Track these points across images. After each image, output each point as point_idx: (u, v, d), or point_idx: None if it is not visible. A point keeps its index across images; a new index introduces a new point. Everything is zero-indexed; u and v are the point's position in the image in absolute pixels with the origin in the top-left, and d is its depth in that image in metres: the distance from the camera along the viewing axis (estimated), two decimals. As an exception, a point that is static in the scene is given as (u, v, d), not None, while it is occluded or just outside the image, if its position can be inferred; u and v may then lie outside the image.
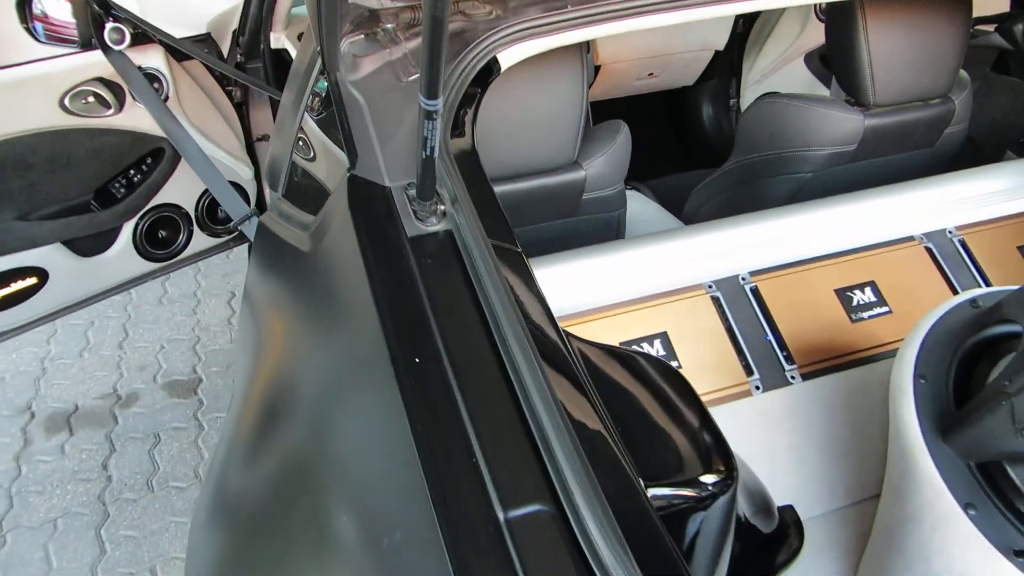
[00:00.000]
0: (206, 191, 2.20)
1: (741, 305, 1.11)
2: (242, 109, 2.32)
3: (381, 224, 0.77)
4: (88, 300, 2.13)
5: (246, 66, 2.25)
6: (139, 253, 2.12)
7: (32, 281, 1.93)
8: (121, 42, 1.88)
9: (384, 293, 0.70)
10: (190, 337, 2.68)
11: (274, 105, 2.34)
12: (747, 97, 2.78)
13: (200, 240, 2.24)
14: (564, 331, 0.68)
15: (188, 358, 2.58)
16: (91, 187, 1.99)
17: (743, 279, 1.13)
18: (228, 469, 0.95)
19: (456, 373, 0.63)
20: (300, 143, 1.11)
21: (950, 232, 1.24)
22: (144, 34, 1.96)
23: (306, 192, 1.10)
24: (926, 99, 1.46)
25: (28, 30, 2.04)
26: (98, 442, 2.23)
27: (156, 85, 1.97)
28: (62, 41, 2.01)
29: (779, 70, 2.66)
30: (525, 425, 0.60)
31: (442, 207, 0.76)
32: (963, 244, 1.23)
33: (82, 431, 2.28)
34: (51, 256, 1.93)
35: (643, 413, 0.68)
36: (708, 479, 0.64)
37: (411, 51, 0.98)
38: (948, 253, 1.21)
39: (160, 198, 2.10)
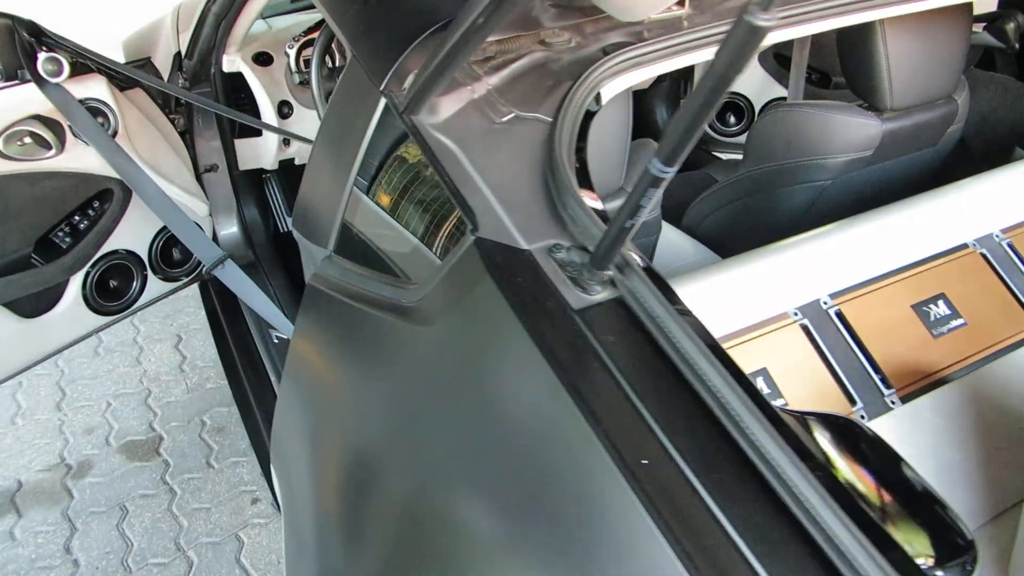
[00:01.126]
0: (160, 232, 1.99)
1: (829, 331, 1.07)
2: (186, 138, 2.12)
3: (535, 295, 0.67)
4: (31, 366, 1.89)
5: (191, 92, 2.05)
6: (90, 307, 1.89)
7: (-33, 357, 1.68)
8: (58, 74, 1.67)
9: (574, 382, 0.61)
10: (139, 390, 2.44)
11: (223, 132, 2.16)
12: (701, 98, 2.78)
13: (155, 286, 2.03)
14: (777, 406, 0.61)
15: (141, 414, 2.34)
16: (30, 239, 1.76)
17: (825, 303, 1.09)
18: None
19: (697, 473, 0.55)
20: (359, 192, 0.99)
21: (997, 236, 1.25)
22: (83, 63, 1.75)
23: (377, 251, 0.98)
24: (935, 100, 1.48)
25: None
26: (54, 522, 1.98)
27: (101, 119, 1.76)
28: (-19, 75, 1.77)
29: (733, 70, 2.68)
30: (797, 525, 0.52)
31: (608, 273, 0.67)
32: (1011, 247, 1.24)
33: (32, 511, 2.02)
34: (-14, 324, 1.69)
35: (894, 487, 0.62)
36: (958, 559, 0.59)
37: (495, 87, 0.88)
38: (1000, 257, 1.22)
39: (109, 244, 1.88)
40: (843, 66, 1.52)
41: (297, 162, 2.27)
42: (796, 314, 1.08)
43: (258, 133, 2.16)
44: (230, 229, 2.32)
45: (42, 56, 1.65)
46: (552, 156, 0.76)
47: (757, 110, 2.70)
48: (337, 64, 1.96)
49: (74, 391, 2.42)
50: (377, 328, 0.88)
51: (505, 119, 0.84)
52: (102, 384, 2.45)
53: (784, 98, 2.58)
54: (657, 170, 0.52)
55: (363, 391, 0.91)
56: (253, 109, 2.11)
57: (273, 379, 1.89)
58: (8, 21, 1.67)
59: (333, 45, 1.92)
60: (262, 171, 2.39)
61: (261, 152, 2.19)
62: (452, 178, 0.79)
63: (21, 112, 1.64)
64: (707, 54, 0.96)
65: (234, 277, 1.75)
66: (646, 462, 0.56)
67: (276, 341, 1.97)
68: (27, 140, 1.66)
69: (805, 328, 1.07)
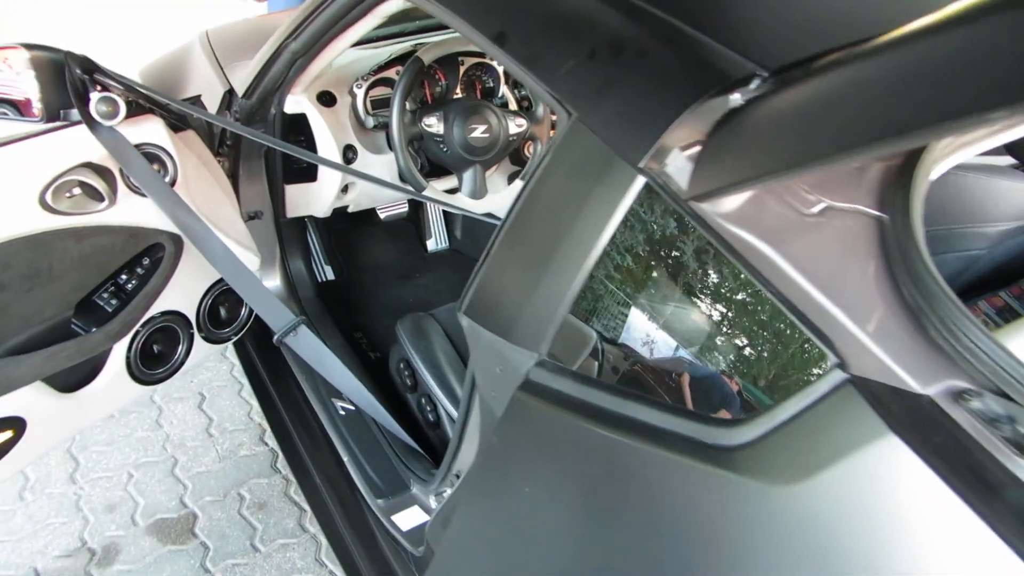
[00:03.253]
0: (209, 290, 1.78)
1: None
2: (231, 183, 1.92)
3: (967, 464, 0.51)
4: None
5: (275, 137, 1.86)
6: (133, 377, 1.67)
7: (6, 436, 1.45)
8: (114, 115, 1.47)
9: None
10: (163, 458, 2.19)
11: (272, 177, 1.96)
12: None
13: (200, 349, 1.81)
14: None
15: (169, 487, 2.10)
16: (71, 301, 1.54)
17: None
18: None
19: None
20: (597, 289, 0.81)
21: None
22: (138, 104, 1.55)
23: (633, 367, 0.80)
24: None
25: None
26: (81, 621, 1.73)
27: (157, 166, 1.56)
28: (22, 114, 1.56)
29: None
30: None
31: None
32: None
33: (54, 608, 1.76)
34: (27, 399, 1.46)
35: None
36: None
37: None
38: None
39: (157, 305, 1.66)
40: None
41: (351, 210, 2.08)
42: None
43: (312, 178, 1.97)
44: (273, 283, 2.12)
45: (95, 96, 1.45)
46: (915, 267, 0.60)
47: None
48: (413, 107, 1.79)
49: (89, 460, 2.16)
50: (656, 467, 0.70)
51: (815, 210, 0.68)
52: (120, 451, 2.20)
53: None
54: None
55: (626, 533, 0.73)
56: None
57: (341, 450, 1.68)
58: (59, 56, 1.46)
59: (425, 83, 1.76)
60: (304, 219, 2.19)
61: (314, 199, 1.99)
62: (781, 290, 0.63)
63: (71, 160, 1.43)
64: None
65: (308, 344, 1.55)
66: None
67: (343, 413, 1.76)
68: (76, 191, 1.45)
69: None
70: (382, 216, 2.46)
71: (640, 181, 0.74)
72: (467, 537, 0.97)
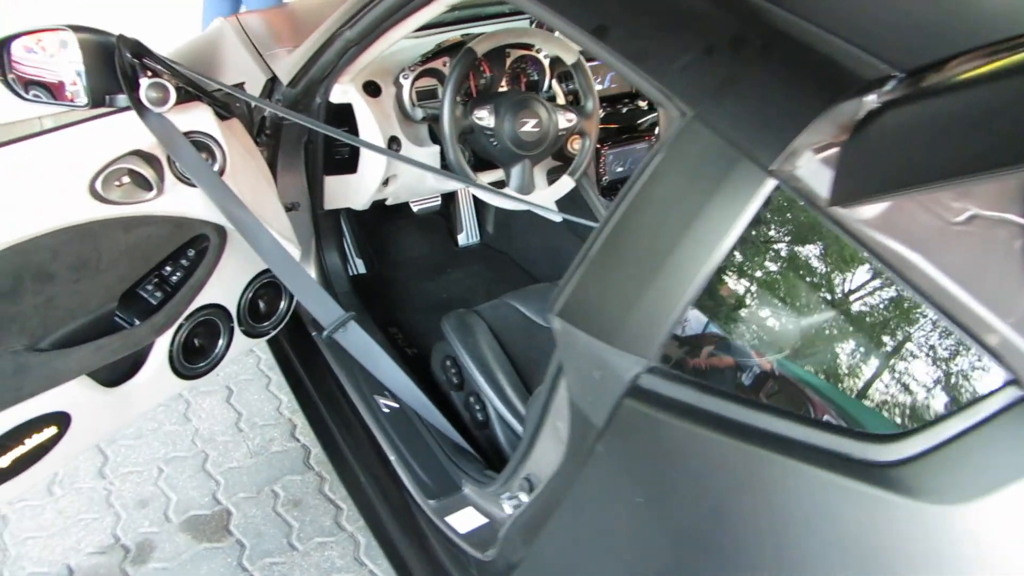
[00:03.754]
0: (250, 284, 1.74)
1: None
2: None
3: None
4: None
5: (281, 122, 1.82)
6: (175, 372, 1.63)
7: (51, 433, 1.41)
8: (164, 102, 1.43)
9: None
10: (193, 453, 2.15)
11: (313, 167, 1.92)
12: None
13: (240, 343, 1.77)
14: None
15: (201, 482, 2.06)
16: (115, 293, 1.50)
17: None
18: None
19: None
20: (721, 296, 0.77)
21: None
22: (186, 90, 1.50)
23: (766, 378, 0.76)
24: None
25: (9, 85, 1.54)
26: (118, 619, 1.70)
27: (205, 155, 1.51)
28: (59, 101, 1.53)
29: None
30: None
31: None
32: None
33: (90, 606, 1.73)
34: (72, 393, 1.42)
35: None
36: None
37: None
38: None
39: (200, 298, 1.62)
40: None
41: (389, 202, 2.04)
42: None
43: (352, 170, 1.93)
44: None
45: (145, 81, 1.40)
46: None
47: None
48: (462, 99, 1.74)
49: (117, 454, 2.12)
50: (794, 481, 0.67)
51: (961, 218, 0.64)
52: (149, 445, 2.16)
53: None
54: None
55: (755, 547, 0.70)
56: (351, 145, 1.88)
57: (387, 448, 1.64)
58: (109, 39, 1.42)
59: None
60: (338, 212, 2.15)
61: (353, 191, 1.95)
62: (942, 303, 0.60)
63: (121, 147, 1.39)
64: None
65: (357, 339, 1.51)
66: None
67: (387, 411, 1.73)
68: (125, 180, 1.40)
69: None
70: (415, 209, 2.42)
71: (770, 184, 0.71)
72: (566, 547, 0.93)
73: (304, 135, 1.87)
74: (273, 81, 1.79)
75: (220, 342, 1.72)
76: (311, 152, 1.90)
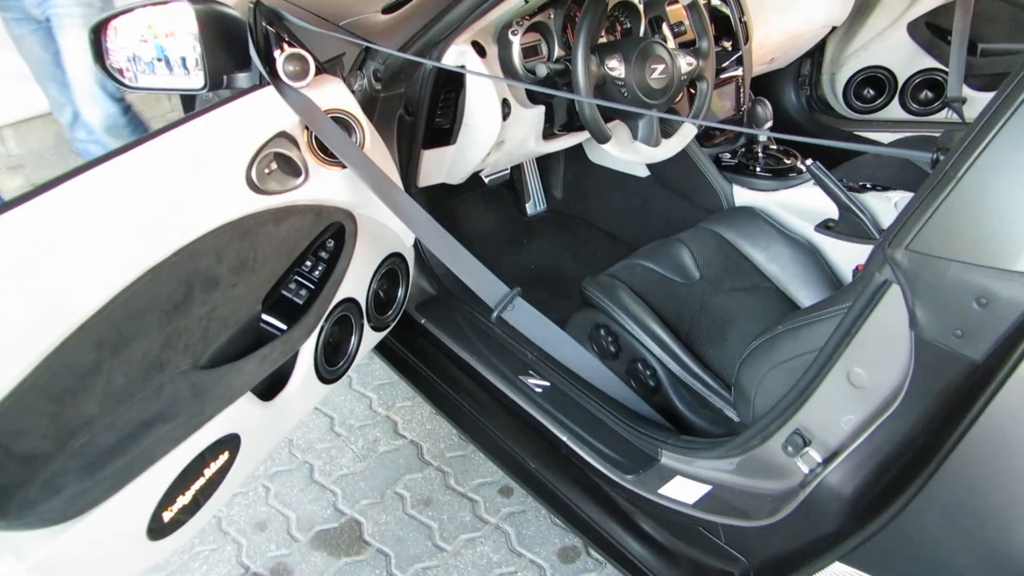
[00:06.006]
0: (375, 272, 1.60)
1: None
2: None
3: None
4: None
5: (381, 93, 1.67)
6: (320, 378, 1.48)
7: (224, 459, 1.26)
8: (303, 76, 1.29)
9: None
10: (295, 465, 2.00)
11: (411, 142, 1.78)
12: (843, 72, 2.62)
13: (368, 339, 1.64)
14: None
15: (316, 495, 1.92)
16: (260, 295, 1.34)
17: None
18: None
19: None
20: None
21: None
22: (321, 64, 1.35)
23: None
24: None
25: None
26: (279, 653, 1.55)
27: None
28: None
29: (879, 42, 2.53)
30: None
31: None
32: None
33: (243, 643, 1.58)
34: (241, 411, 1.27)
35: None
36: None
37: None
38: None
39: (338, 294, 1.48)
40: None
41: (486, 172, 1.91)
42: None
43: (449, 142, 1.79)
44: None
45: (281, 55, 1.25)
46: None
47: (901, 83, 2.55)
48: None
49: (213, 478, 1.95)
50: None
51: None
52: (244, 464, 1.99)
53: (935, 69, 2.45)
54: None
55: None
56: (453, 113, 1.74)
57: (556, 430, 1.53)
58: (229, 12, 1.26)
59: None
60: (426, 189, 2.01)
61: (454, 163, 1.82)
62: None
63: (269, 130, 1.24)
64: None
65: (527, 316, 1.39)
66: None
67: (539, 391, 1.62)
68: (273, 167, 1.25)
69: None
70: (487, 180, 2.29)
71: None
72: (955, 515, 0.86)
73: (400, 108, 1.72)
74: (367, 51, 1.63)
75: (352, 339, 1.58)
76: (405, 126, 1.75)
